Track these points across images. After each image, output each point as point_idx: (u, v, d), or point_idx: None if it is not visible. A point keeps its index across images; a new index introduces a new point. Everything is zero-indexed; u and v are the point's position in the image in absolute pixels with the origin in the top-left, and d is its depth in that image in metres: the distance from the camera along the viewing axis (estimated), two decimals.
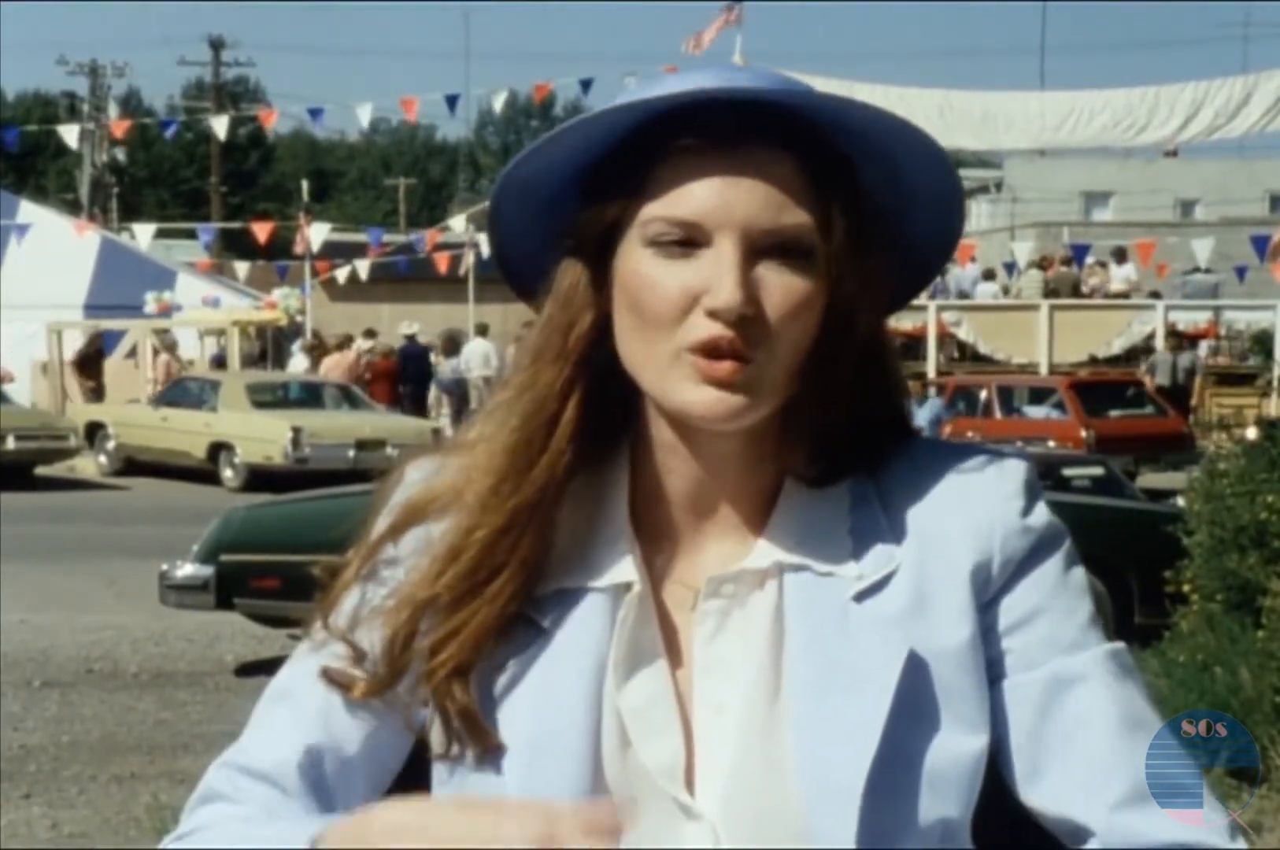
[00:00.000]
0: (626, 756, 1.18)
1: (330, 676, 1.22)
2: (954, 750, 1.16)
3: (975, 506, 1.22)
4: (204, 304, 26.21)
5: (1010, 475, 1.24)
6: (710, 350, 1.15)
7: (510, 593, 1.20)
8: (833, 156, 1.19)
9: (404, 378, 24.29)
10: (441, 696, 1.19)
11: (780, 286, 1.16)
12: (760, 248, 1.16)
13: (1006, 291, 25.96)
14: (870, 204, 1.21)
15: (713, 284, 1.15)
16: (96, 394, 23.31)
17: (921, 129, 1.20)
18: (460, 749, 1.19)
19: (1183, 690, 5.95)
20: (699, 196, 1.16)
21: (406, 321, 26.20)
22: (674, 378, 1.17)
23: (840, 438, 1.22)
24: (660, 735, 1.19)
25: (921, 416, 16.98)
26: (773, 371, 1.16)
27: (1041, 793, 1.19)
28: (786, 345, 1.16)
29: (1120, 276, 25.11)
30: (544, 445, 1.21)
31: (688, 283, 1.16)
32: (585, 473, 1.24)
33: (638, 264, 1.18)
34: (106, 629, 9.66)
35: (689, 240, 1.16)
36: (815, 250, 1.17)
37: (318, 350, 24.14)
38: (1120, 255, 25.19)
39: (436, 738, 1.21)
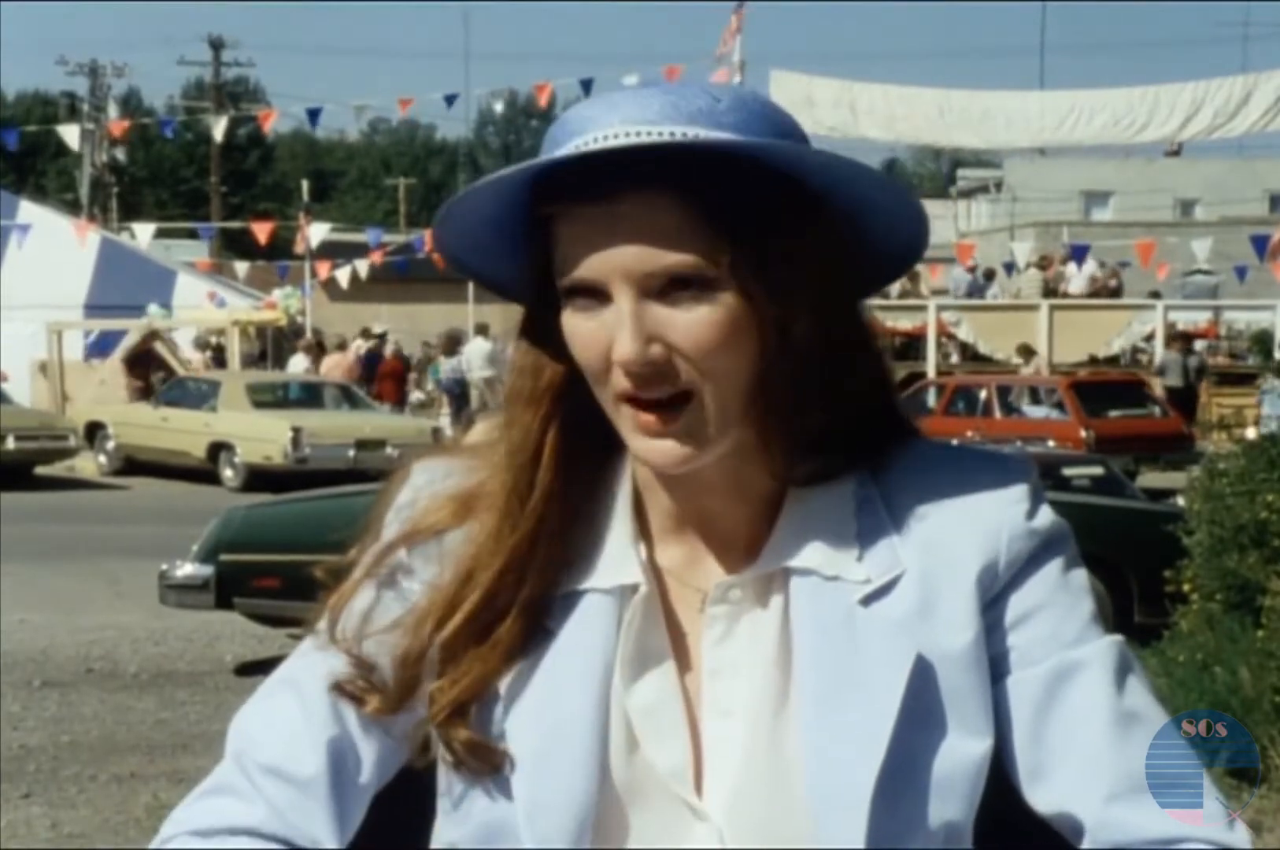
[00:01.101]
0: (634, 758, 1.19)
1: (343, 691, 1.23)
2: (959, 754, 1.17)
3: (981, 510, 1.23)
4: (210, 301, 26.21)
5: (1015, 479, 1.25)
6: (631, 400, 1.17)
7: (518, 632, 1.21)
8: (726, 186, 1.16)
9: (369, 377, 24.18)
10: (445, 732, 1.20)
11: (686, 323, 1.15)
12: (654, 290, 1.16)
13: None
14: (795, 217, 1.18)
15: (615, 338, 1.16)
16: (145, 394, 22.97)
17: (820, 150, 1.18)
18: (465, 768, 1.20)
19: (1182, 690, 5.95)
20: (585, 256, 1.16)
21: (378, 323, 26.27)
22: (621, 425, 1.19)
23: (831, 437, 1.22)
24: (668, 737, 1.19)
25: None
26: (713, 409, 1.16)
27: (1043, 791, 1.19)
28: (721, 376, 1.16)
29: (1085, 275, 24.92)
30: (530, 482, 1.22)
31: (599, 337, 1.17)
32: (589, 480, 1.24)
33: (566, 321, 1.19)
34: (106, 629, 9.66)
35: (593, 294, 1.17)
36: (714, 280, 1.16)
37: (316, 350, 24.15)
38: (1079, 257, 24.95)
39: (443, 753, 1.21)
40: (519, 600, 1.21)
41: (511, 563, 1.21)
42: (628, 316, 1.15)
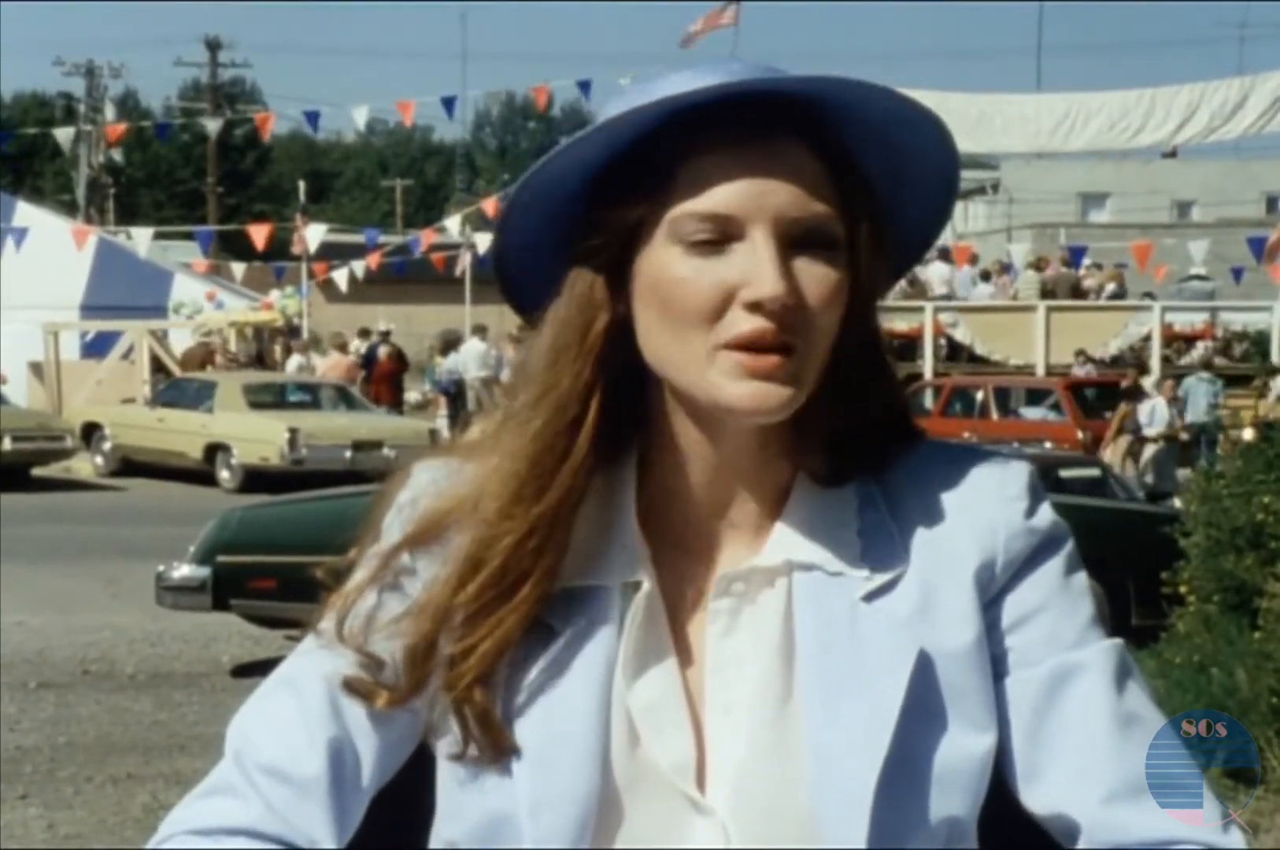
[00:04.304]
0: (636, 754, 1.19)
1: (352, 688, 1.22)
2: (962, 750, 1.17)
3: (980, 509, 1.23)
4: (209, 302, 26.23)
5: (1014, 477, 1.25)
6: (753, 344, 1.15)
7: (535, 599, 1.20)
8: (843, 146, 1.20)
9: (370, 377, 24.17)
10: (462, 704, 1.19)
11: (815, 276, 1.16)
12: (792, 238, 1.16)
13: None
14: (874, 193, 1.21)
15: (751, 276, 1.15)
16: None
17: (940, 119, 1.21)
18: (476, 751, 1.20)
19: (1179, 691, 5.95)
20: (730, 190, 1.16)
21: (383, 321, 26.29)
22: (714, 374, 1.17)
23: (849, 436, 1.23)
24: (671, 733, 1.19)
25: None
26: (811, 362, 1.17)
27: (1039, 791, 1.20)
28: (822, 336, 1.17)
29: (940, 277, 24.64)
30: (567, 450, 1.21)
31: (723, 278, 1.16)
32: (603, 467, 1.24)
33: (667, 263, 1.18)
34: (103, 630, 9.66)
35: (721, 235, 1.16)
36: (838, 240, 1.18)
37: (309, 347, 24.17)
38: (943, 254, 24.68)
39: (450, 741, 1.21)
40: (539, 568, 1.20)
41: (535, 529, 1.20)
42: (773, 255, 1.15)
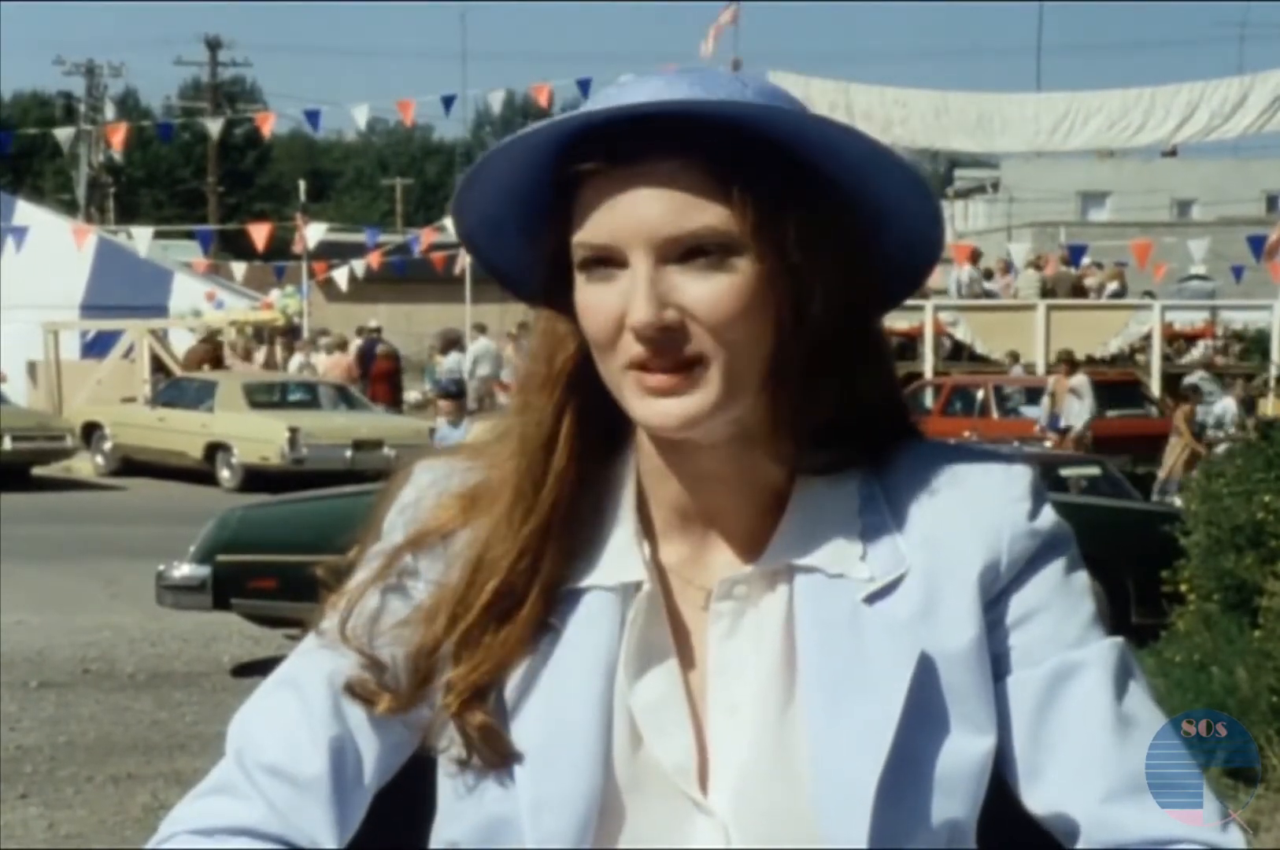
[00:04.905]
0: (637, 754, 1.19)
1: (354, 692, 1.23)
2: (962, 752, 1.17)
3: (983, 510, 1.23)
4: (209, 302, 26.23)
5: (1017, 478, 1.25)
6: (642, 368, 1.16)
7: (535, 616, 1.21)
8: (751, 157, 1.17)
9: (364, 373, 24.17)
10: (465, 717, 1.20)
11: (700, 291, 1.16)
12: (672, 256, 1.16)
13: (986, 294, 25.72)
14: (815, 200, 1.19)
15: (629, 304, 1.16)
16: None
17: (854, 128, 1.19)
18: (479, 761, 1.20)
19: (1179, 690, 5.95)
20: (606, 218, 1.17)
21: (373, 319, 26.33)
22: (626, 393, 1.18)
23: (840, 433, 1.22)
24: (672, 734, 1.20)
25: None
26: (725, 375, 1.16)
27: (1039, 791, 1.20)
28: (736, 345, 1.16)
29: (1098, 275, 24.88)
30: (545, 468, 1.22)
31: (612, 305, 1.17)
32: (597, 471, 1.24)
33: (579, 291, 1.20)
34: (103, 629, 9.66)
35: (609, 261, 1.17)
36: (736, 249, 1.16)
37: (308, 347, 24.17)
38: (1076, 258, 24.96)
39: (452, 748, 1.21)
40: (535, 586, 1.21)
41: (526, 549, 1.21)
42: (643, 280, 1.15)
